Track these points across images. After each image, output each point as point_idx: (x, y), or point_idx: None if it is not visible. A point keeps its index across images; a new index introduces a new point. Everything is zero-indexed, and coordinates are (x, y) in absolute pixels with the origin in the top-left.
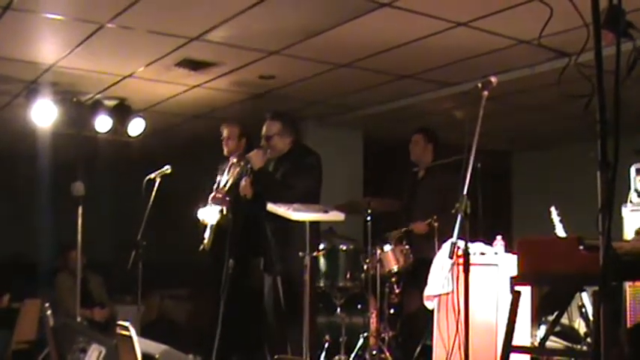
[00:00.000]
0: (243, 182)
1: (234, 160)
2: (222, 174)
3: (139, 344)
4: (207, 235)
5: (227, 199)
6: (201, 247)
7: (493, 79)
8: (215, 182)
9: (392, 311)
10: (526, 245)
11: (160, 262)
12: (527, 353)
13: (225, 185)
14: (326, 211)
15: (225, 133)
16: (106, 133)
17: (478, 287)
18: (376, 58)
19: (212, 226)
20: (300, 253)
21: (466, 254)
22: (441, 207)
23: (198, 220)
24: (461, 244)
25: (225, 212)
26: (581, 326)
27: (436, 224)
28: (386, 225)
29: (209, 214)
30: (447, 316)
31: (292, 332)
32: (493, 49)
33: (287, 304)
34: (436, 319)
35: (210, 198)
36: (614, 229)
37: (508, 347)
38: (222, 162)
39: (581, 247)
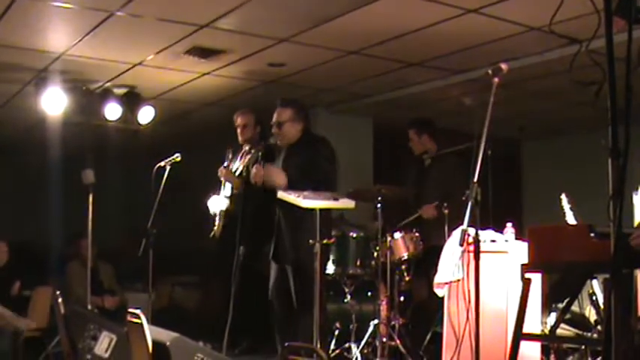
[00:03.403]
0: (254, 170)
1: (247, 147)
2: (233, 160)
3: (150, 332)
4: (217, 221)
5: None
6: (212, 233)
7: (504, 66)
8: (223, 165)
9: (402, 299)
10: (537, 233)
11: (170, 249)
12: (538, 341)
13: (234, 171)
14: (336, 199)
15: (240, 121)
16: (115, 121)
17: (488, 275)
18: (386, 45)
19: (221, 212)
20: (311, 241)
21: (477, 241)
22: (449, 193)
23: (208, 208)
24: (471, 231)
25: (232, 199)
26: (591, 314)
27: (446, 211)
28: (396, 212)
29: (218, 203)
30: (458, 304)
31: (302, 319)
32: (503, 36)
33: (298, 291)
34: (446, 306)
35: (219, 172)
36: (624, 216)
37: (518, 335)
38: (233, 147)
39: (592, 235)
